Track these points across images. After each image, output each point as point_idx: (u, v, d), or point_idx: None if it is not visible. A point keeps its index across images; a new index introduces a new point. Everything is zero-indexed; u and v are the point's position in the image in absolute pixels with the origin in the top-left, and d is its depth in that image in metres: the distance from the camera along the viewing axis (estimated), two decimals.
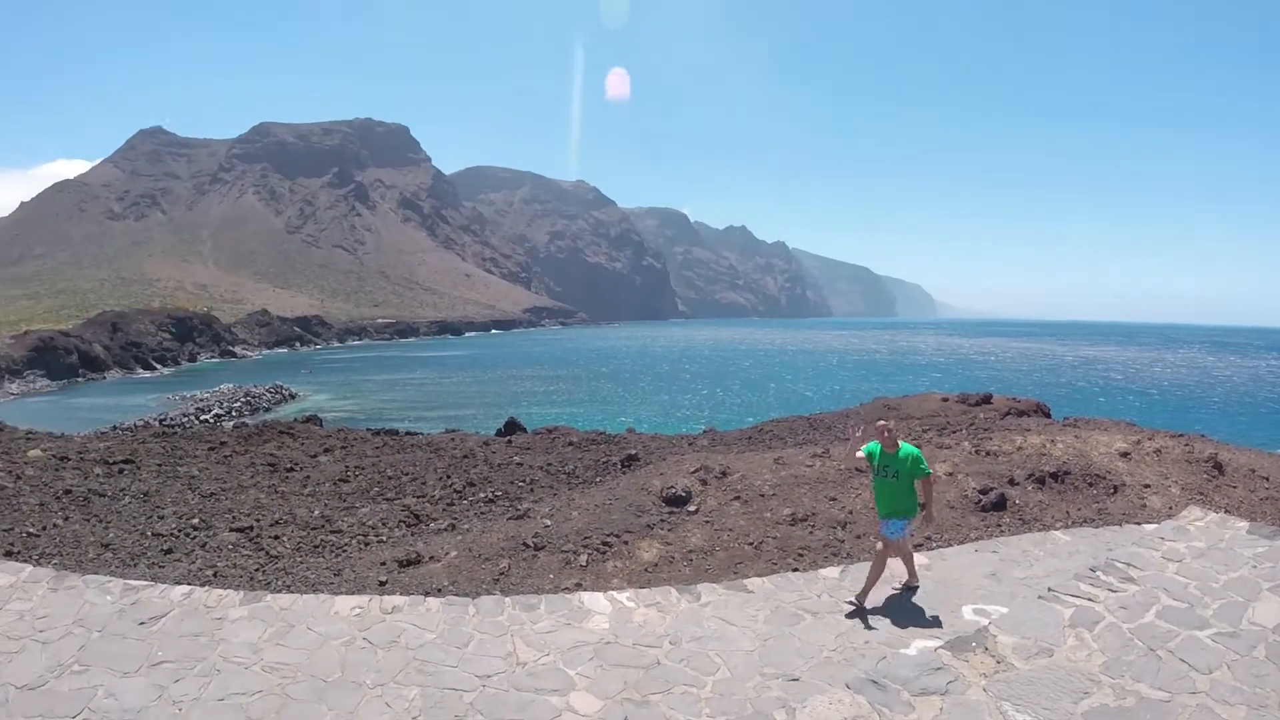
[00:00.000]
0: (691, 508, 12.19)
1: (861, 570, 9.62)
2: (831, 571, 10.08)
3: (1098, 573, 8.12)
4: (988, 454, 14.08)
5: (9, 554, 10.49)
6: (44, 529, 11.92)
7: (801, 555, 10.66)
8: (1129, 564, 8.27)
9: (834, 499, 12.16)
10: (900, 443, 9.16)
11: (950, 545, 10.98)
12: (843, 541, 10.98)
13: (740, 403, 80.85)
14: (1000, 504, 12.11)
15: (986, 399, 26.19)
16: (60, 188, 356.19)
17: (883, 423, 9.30)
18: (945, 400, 26.60)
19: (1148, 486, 12.82)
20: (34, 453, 17.03)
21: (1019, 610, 7.68)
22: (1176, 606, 7.40)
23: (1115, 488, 12.74)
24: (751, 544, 10.95)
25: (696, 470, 13.50)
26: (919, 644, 8.05)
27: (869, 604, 9.04)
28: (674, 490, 12.59)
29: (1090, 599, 7.56)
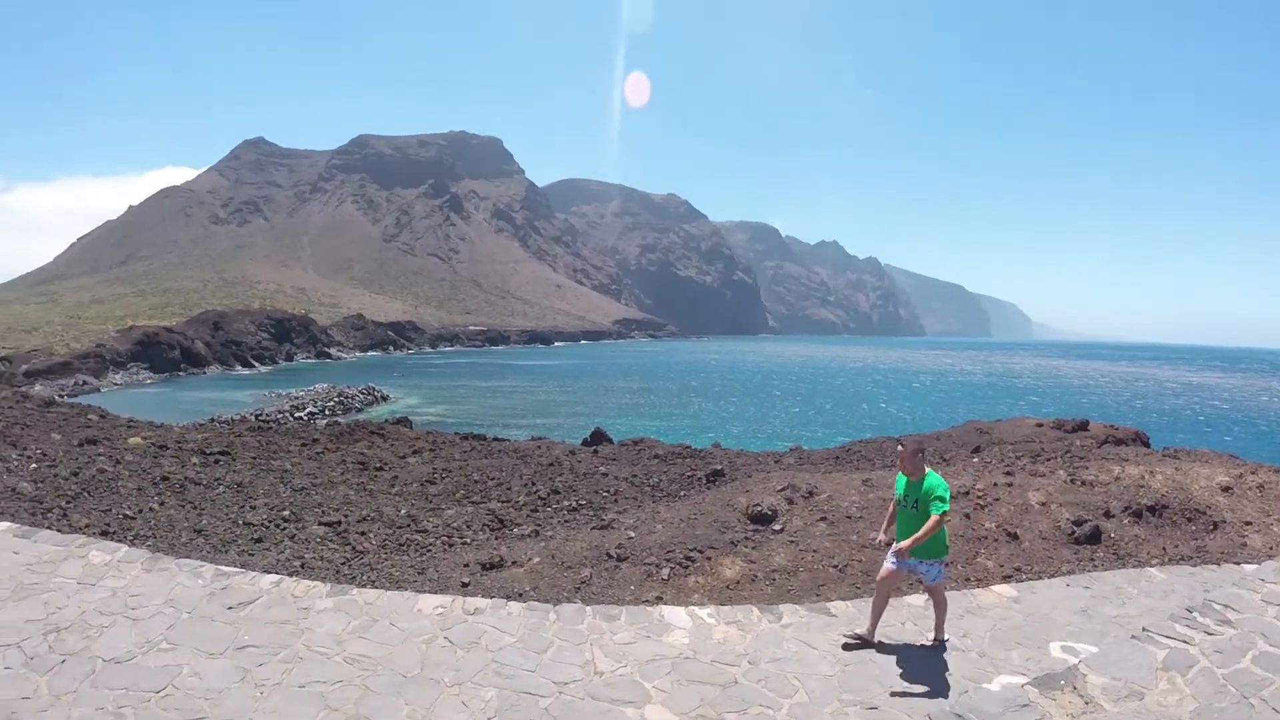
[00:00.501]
0: (776, 526, 12.06)
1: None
2: (916, 599, 9.84)
3: (1194, 614, 7.77)
4: (1083, 484, 13.60)
5: (105, 534, 10.94)
6: (140, 512, 12.41)
7: None
8: (1227, 605, 7.89)
9: None
10: (928, 470, 8.30)
11: (1041, 578, 10.61)
12: None
13: (829, 421, 79.88)
14: (1095, 537, 11.69)
15: (1083, 425, 25.37)
16: (167, 193, 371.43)
17: (903, 448, 8.42)
18: (1040, 426, 25.87)
19: (1249, 524, 12.23)
20: (134, 440, 17.78)
21: (1110, 650, 7.40)
22: (1273, 653, 7.04)
23: (1215, 524, 12.18)
24: (836, 566, 10.77)
25: (783, 489, 13.36)
26: (1003, 679, 7.81)
27: (946, 635, 8.79)
28: (759, 508, 12.49)
29: (1185, 641, 7.24)
